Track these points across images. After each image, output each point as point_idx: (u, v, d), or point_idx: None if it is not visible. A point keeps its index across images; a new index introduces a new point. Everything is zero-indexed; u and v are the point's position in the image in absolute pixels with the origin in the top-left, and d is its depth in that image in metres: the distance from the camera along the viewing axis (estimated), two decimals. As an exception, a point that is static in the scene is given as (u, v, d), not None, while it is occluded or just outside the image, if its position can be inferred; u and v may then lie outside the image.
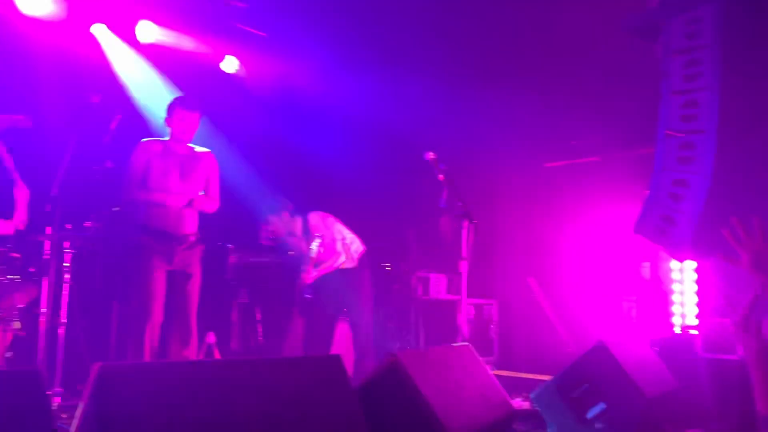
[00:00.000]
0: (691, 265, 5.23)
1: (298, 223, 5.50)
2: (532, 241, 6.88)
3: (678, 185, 4.75)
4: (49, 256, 4.27)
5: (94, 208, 4.59)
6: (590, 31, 5.40)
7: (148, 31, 5.57)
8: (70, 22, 5.29)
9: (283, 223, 5.47)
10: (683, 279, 5.35)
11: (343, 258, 5.53)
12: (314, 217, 5.48)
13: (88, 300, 4.69)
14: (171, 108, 4.48)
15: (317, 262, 5.45)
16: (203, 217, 4.58)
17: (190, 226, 4.40)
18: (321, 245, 5.43)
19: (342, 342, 5.57)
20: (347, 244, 5.55)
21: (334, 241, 5.52)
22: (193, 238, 4.42)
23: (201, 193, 4.47)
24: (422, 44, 5.93)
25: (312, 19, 5.70)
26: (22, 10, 4.98)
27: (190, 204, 4.35)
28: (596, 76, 5.86)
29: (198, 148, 4.58)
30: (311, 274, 5.40)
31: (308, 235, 5.46)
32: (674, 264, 5.37)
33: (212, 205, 4.54)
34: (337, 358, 2.67)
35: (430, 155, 4.82)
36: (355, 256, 5.60)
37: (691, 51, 4.73)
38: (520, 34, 5.76)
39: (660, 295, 5.56)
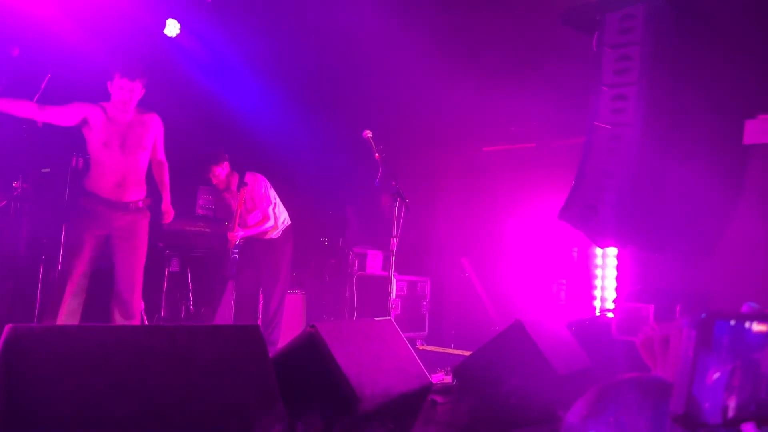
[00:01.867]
0: (612, 251, 5.43)
1: (235, 178, 5.42)
2: (468, 222, 7.01)
3: (603, 176, 4.87)
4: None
5: (22, 169, 4.54)
6: (529, 20, 5.44)
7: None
8: None
9: (224, 172, 5.40)
10: (605, 265, 5.52)
11: (271, 222, 5.52)
12: (251, 176, 5.42)
13: (13, 261, 4.60)
14: (112, 74, 4.35)
15: (245, 223, 5.44)
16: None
17: (134, 193, 4.37)
18: (252, 204, 5.43)
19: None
20: (277, 213, 5.55)
21: (268, 203, 5.51)
22: (137, 206, 4.40)
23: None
24: (368, 24, 5.83)
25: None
26: None
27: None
28: (535, 65, 5.89)
29: (142, 112, 4.50)
30: (238, 233, 5.33)
31: (240, 195, 5.39)
32: (598, 250, 5.54)
33: (162, 170, 4.58)
34: (255, 328, 2.66)
35: (368, 133, 4.89)
36: (282, 227, 5.61)
37: (623, 47, 4.85)
38: (463, 21, 5.76)
39: (587, 279, 5.79)
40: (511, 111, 6.20)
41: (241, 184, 5.33)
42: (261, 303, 5.48)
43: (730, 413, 0.62)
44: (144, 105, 4.50)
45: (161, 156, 4.56)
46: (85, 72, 4.65)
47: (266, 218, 5.47)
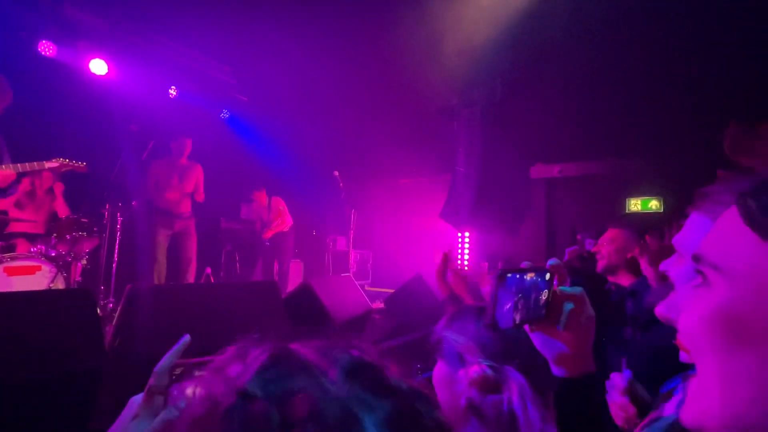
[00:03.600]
0: (467, 234, 5.29)
1: (268, 200, 5.26)
2: (392, 220, 6.73)
3: (461, 194, 4.96)
4: (107, 221, 4.13)
5: (138, 195, 4.41)
6: (416, 107, 5.16)
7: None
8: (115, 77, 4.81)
9: (261, 197, 5.20)
10: (464, 242, 5.34)
11: (289, 223, 5.30)
12: (276, 199, 5.24)
13: (136, 246, 4.53)
14: (175, 135, 4.38)
15: (271, 226, 5.22)
16: (211, 200, 4.49)
17: (185, 207, 4.34)
18: (276, 214, 5.23)
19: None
20: (287, 219, 5.33)
21: (284, 215, 5.29)
22: (187, 214, 4.34)
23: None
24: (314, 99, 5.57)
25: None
26: (92, 71, 4.58)
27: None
28: (423, 135, 5.53)
29: (190, 162, 4.41)
30: (269, 233, 5.19)
31: (270, 209, 5.24)
32: (459, 234, 5.39)
33: (200, 198, 4.41)
34: (273, 283, 2.67)
35: (336, 173, 4.92)
36: (287, 227, 5.36)
37: (469, 127, 4.97)
38: (381, 101, 5.24)
39: (455, 251, 5.43)
40: (401, 157, 5.82)
41: (270, 202, 5.22)
42: (276, 268, 5.28)
43: (516, 322, 0.59)
44: (193, 158, 4.45)
45: (200, 190, 4.42)
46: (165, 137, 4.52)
47: (284, 223, 5.25)
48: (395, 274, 5.79)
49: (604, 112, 4.32)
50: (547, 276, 0.63)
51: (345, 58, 4.84)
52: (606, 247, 1.83)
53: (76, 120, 4.43)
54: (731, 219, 0.34)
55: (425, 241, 6.29)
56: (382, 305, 3.80)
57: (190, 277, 4.33)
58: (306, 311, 2.60)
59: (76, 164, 3.63)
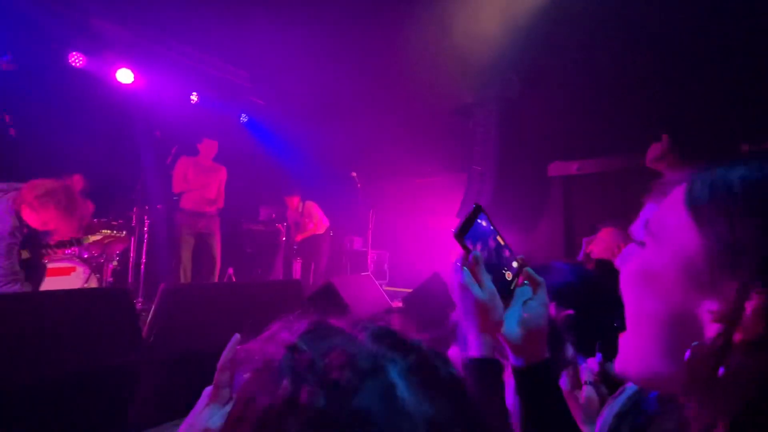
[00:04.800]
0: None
1: (301, 205, 5.22)
2: (409, 220, 6.64)
3: (478, 192, 4.89)
4: (134, 223, 4.29)
5: (163, 198, 4.53)
6: (432, 106, 5.14)
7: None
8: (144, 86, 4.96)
9: (294, 201, 5.14)
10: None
11: (319, 228, 5.24)
12: (309, 204, 5.19)
13: (161, 247, 4.66)
14: (200, 137, 4.42)
15: (306, 229, 5.19)
16: (231, 202, 4.55)
17: (210, 207, 4.36)
18: (309, 218, 5.16)
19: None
20: (323, 221, 5.27)
21: (318, 218, 5.22)
22: (212, 213, 4.37)
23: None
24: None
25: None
26: (119, 80, 4.73)
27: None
28: (439, 133, 5.59)
29: (215, 164, 4.47)
30: (300, 236, 5.13)
31: (303, 213, 5.18)
32: None
33: (220, 203, 4.44)
34: (297, 282, 2.75)
35: (353, 174, 4.98)
36: (323, 229, 5.32)
37: (485, 126, 4.92)
38: (397, 101, 5.29)
39: None
40: (426, 158, 5.87)
41: (303, 207, 5.14)
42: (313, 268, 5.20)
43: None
44: (218, 160, 4.52)
45: (221, 191, 4.46)
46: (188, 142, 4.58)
47: (316, 227, 5.16)
48: (412, 273, 5.80)
49: (623, 107, 4.23)
50: (515, 263, 0.64)
51: (360, 59, 4.88)
52: (598, 245, 1.91)
53: (104, 128, 4.61)
54: (677, 195, 0.39)
55: (442, 240, 6.17)
56: (401, 304, 3.77)
57: (215, 277, 4.36)
58: (329, 309, 2.63)
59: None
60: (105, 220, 4.01)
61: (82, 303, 1.72)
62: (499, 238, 0.64)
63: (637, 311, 0.41)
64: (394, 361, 0.32)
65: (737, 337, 0.32)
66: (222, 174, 4.49)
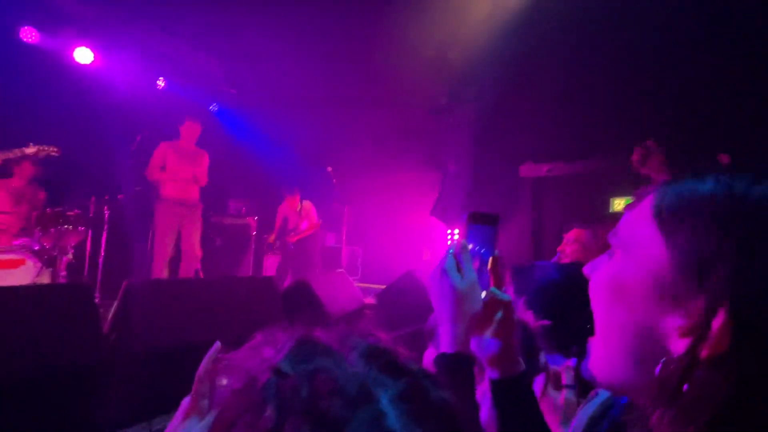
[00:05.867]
0: (456, 231, 5.29)
1: (300, 205, 5.06)
2: (382, 215, 6.57)
3: (451, 193, 5.08)
4: (92, 214, 4.05)
5: (125, 187, 4.30)
6: (409, 104, 5.13)
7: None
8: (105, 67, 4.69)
9: (295, 200, 4.97)
10: (452, 237, 5.42)
11: (311, 229, 5.10)
12: (307, 204, 5.03)
13: (119, 241, 4.42)
14: (182, 118, 4.08)
15: (301, 230, 5.03)
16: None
17: (192, 194, 4.10)
18: (307, 220, 5.00)
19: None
20: (317, 222, 5.15)
21: (313, 218, 5.10)
22: (194, 201, 4.09)
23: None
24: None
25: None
26: (78, 59, 4.44)
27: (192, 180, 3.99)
28: (413, 132, 5.62)
29: (197, 149, 4.18)
30: (295, 237, 4.98)
31: (301, 213, 5.00)
32: (449, 230, 5.47)
33: (202, 183, 4.16)
34: (270, 279, 2.61)
35: (329, 169, 4.94)
36: (315, 229, 5.21)
37: (460, 125, 5.03)
38: (374, 98, 5.27)
39: (445, 245, 5.58)
40: (402, 155, 5.87)
41: (302, 207, 4.98)
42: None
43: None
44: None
45: (203, 175, 4.16)
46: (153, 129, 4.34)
47: (315, 224, 5.07)
48: (385, 270, 5.80)
49: (591, 113, 4.43)
50: (489, 263, 0.63)
51: (338, 54, 4.82)
52: (570, 247, 1.95)
53: (60, 110, 4.31)
54: (645, 205, 0.40)
55: (416, 237, 6.28)
56: (373, 301, 3.79)
57: (191, 270, 4.10)
58: (302, 306, 2.63)
59: (50, 149, 3.47)
60: (60, 209, 3.76)
61: (36, 300, 1.61)
62: (490, 260, 0.63)
63: (606, 321, 0.41)
64: (385, 386, 0.31)
65: (703, 353, 0.32)
66: (205, 159, 4.21)
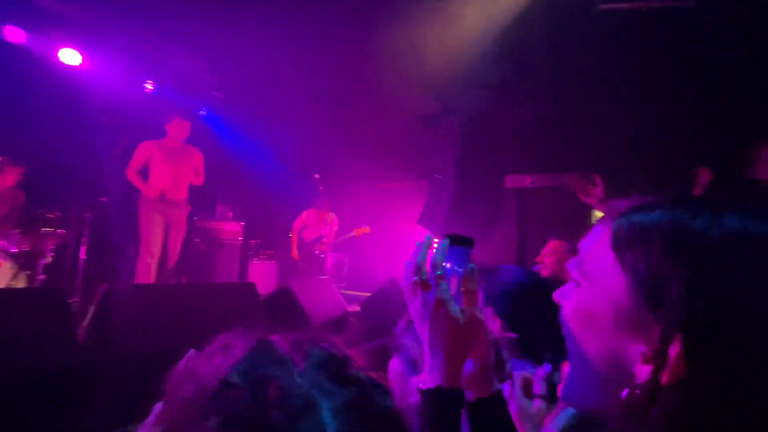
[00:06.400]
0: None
1: (328, 215, 5.12)
2: (369, 223, 6.22)
3: (438, 202, 5.05)
4: (73, 216, 3.95)
5: (109, 191, 4.24)
6: (398, 114, 5.11)
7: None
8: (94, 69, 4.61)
9: (324, 214, 4.96)
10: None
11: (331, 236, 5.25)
12: (332, 215, 5.08)
13: (103, 243, 4.31)
14: (171, 116, 3.87)
15: (328, 241, 5.08)
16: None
17: (180, 195, 3.92)
18: (331, 231, 5.11)
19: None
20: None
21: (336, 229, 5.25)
22: (182, 203, 3.93)
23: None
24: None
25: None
26: (64, 61, 4.34)
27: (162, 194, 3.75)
28: (401, 143, 5.74)
29: (187, 147, 3.98)
30: (321, 248, 5.02)
31: (326, 222, 5.04)
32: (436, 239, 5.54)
33: (200, 181, 4.07)
34: (252, 285, 2.56)
35: (317, 176, 4.93)
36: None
37: (449, 138, 5.07)
38: (363, 106, 5.26)
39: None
40: (390, 164, 6.01)
41: (328, 217, 5.03)
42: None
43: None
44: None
45: (200, 173, 4.06)
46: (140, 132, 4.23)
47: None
48: (372, 277, 5.77)
49: (574, 127, 4.54)
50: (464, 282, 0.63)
51: (327, 63, 4.85)
52: (548, 258, 1.98)
53: (45, 112, 4.25)
54: (604, 237, 0.42)
55: (402, 245, 6.18)
56: (358, 308, 3.78)
57: (171, 275, 3.97)
58: (285, 313, 2.63)
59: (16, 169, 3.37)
60: (39, 212, 3.70)
61: (8, 304, 1.57)
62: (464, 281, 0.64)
63: (577, 348, 0.43)
64: (331, 396, 0.32)
65: (664, 378, 0.34)
66: (197, 156, 4.02)
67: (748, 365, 0.32)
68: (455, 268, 0.63)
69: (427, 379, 0.59)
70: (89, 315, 1.83)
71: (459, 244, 0.64)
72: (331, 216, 5.07)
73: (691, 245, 0.35)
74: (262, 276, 5.42)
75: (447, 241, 0.62)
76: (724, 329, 0.33)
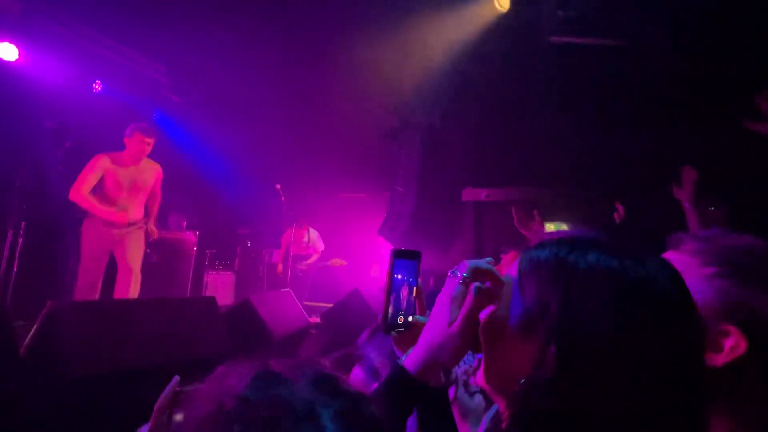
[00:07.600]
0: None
1: (308, 235, 5.19)
2: (331, 233, 6.41)
3: (398, 214, 5.17)
4: (7, 229, 3.63)
5: (49, 201, 3.91)
6: (360, 127, 5.16)
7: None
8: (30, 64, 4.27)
9: (303, 231, 5.05)
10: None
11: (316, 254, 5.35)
12: (314, 232, 5.16)
13: (39, 257, 4.01)
14: (132, 131, 3.41)
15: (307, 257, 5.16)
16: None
17: (136, 215, 3.54)
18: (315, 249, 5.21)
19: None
20: (322, 248, 5.32)
21: (319, 245, 5.29)
22: (138, 223, 3.54)
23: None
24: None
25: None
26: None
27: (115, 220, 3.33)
28: (365, 155, 5.84)
29: (147, 162, 3.55)
30: (305, 266, 5.15)
31: (309, 241, 5.14)
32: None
33: (156, 202, 3.71)
34: (212, 299, 2.50)
35: (278, 186, 4.88)
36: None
37: (408, 150, 5.23)
38: (326, 117, 5.27)
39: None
40: (352, 175, 6.12)
41: (310, 235, 5.09)
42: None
43: (400, 321, 0.67)
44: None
45: (157, 193, 3.70)
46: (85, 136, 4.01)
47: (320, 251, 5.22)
48: (333, 288, 5.76)
49: (525, 144, 4.84)
50: (414, 292, 0.69)
51: (291, 73, 4.86)
52: (506, 269, 2.10)
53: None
54: (514, 267, 0.53)
55: (364, 256, 6.31)
56: (318, 320, 3.84)
57: (135, 291, 3.47)
58: (246, 327, 2.62)
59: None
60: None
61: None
62: (414, 289, 0.69)
63: (488, 351, 0.52)
64: (328, 406, 0.39)
65: (545, 374, 0.42)
66: (156, 176, 3.60)
67: (600, 363, 0.42)
68: (406, 278, 0.69)
69: (410, 357, 0.64)
70: (31, 333, 1.71)
71: (407, 257, 0.69)
72: (312, 235, 5.17)
73: (565, 275, 0.46)
74: (219, 288, 5.29)
75: (394, 255, 0.68)
76: (584, 337, 0.43)
